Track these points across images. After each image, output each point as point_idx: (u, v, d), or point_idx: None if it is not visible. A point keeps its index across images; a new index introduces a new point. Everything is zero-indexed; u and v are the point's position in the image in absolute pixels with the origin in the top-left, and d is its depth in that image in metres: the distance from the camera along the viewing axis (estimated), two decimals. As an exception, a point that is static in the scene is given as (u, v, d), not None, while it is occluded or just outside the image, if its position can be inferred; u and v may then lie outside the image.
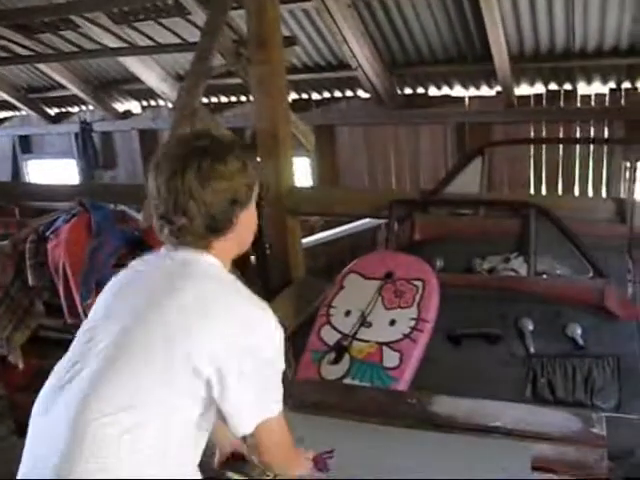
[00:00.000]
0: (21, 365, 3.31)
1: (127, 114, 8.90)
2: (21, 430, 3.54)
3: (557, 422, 2.44)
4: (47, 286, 3.01)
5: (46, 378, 3.49)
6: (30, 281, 3.01)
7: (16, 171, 10.09)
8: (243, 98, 7.65)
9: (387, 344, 3.12)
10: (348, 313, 3.28)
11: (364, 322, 3.22)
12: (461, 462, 2.20)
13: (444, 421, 2.55)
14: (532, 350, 3.07)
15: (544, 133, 6.27)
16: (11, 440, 3.59)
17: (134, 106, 8.84)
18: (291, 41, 4.97)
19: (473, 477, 2.10)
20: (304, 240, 5.18)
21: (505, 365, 3.06)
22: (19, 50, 6.72)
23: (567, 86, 6.10)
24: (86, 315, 2.90)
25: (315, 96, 7.36)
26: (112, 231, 2.85)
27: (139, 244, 2.79)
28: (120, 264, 2.91)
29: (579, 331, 3.12)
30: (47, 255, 2.89)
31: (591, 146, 5.97)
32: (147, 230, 2.93)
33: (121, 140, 9.13)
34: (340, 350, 3.13)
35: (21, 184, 8.99)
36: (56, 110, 9.52)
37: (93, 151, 9.07)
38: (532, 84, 6.22)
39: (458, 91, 6.65)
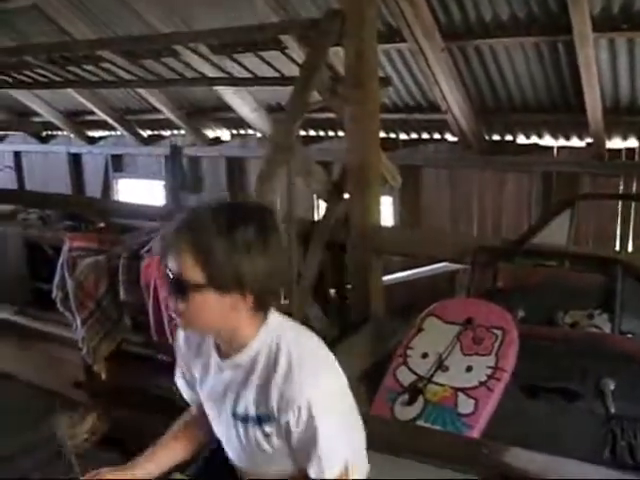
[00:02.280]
0: (104, 375, 3.43)
1: (216, 141, 9.14)
2: (100, 437, 3.67)
3: (637, 487, 2.38)
4: (137, 303, 3.13)
5: (126, 392, 3.61)
6: (122, 296, 3.13)
7: (106, 188, 10.47)
8: (331, 133, 7.77)
9: (463, 390, 3.10)
10: (425, 355, 3.27)
11: (441, 366, 3.21)
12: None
13: (517, 474, 2.52)
14: (612, 411, 2.99)
15: (634, 188, 6.14)
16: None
17: (224, 134, 9.07)
18: (386, 82, 5.05)
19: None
20: (384, 278, 5.20)
21: (583, 424, 2.98)
22: (122, 74, 7.04)
23: (662, 142, 5.97)
24: (172, 334, 3.02)
25: (403, 136, 7.41)
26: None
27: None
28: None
29: (663, 395, 3.03)
30: (139, 273, 3.01)
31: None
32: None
33: (208, 165, 9.37)
34: (415, 392, 3.13)
35: (112, 201, 9.34)
36: (149, 132, 9.84)
37: (181, 174, 9.29)
38: (625, 138, 6.11)
39: (547, 140, 6.59)
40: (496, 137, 6.80)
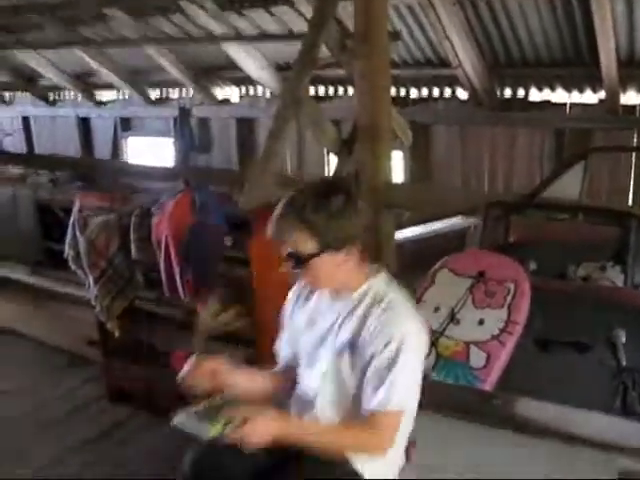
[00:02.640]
0: (117, 333, 3.46)
1: (225, 101, 9.07)
2: (111, 394, 3.73)
3: (646, 436, 2.39)
4: (148, 260, 3.14)
5: (139, 348, 3.65)
6: (133, 254, 3.14)
7: (115, 150, 10.46)
8: (341, 90, 7.70)
9: (475, 343, 3.10)
10: (437, 309, 3.26)
11: (453, 319, 3.21)
12: (542, 468, 2.18)
13: (528, 424, 2.53)
14: (624, 363, 2.99)
15: (648, 144, 6.07)
16: (101, 404, 3.78)
17: (233, 93, 9.00)
18: (395, 36, 4.97)
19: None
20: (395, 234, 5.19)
21: (594, 375, 2.99)
22: (128, 33, 6.96)
23: (677, 96, 5.87)
24: (184, 290, 3.03)
25: (413, 92, 7.33)
26: (215, 210, 2.94)
27: (242, 225, 2.87)
28: (220, 242, 3.03)
29: (675, 347, 3.02)
30: (151, 230, 3.01)
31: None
32: (251, 212, 3.01)
33: (218, 126, 9.31)
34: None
35: (121, 162, 9.33)
36: (158, 93, 9.78)
37: (190, 135, 9.25)
38: (639, 91, 6.01)
39: (560, 95, 6.49)
40: (508, 93, 6.71)
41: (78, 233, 3.32)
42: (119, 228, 3.20)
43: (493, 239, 3.70)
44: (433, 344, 3.13)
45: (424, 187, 5.28)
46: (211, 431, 1.87)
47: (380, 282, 2.04)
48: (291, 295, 2.19)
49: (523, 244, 3.67)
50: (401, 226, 5.77)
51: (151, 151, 10.13)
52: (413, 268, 3.61)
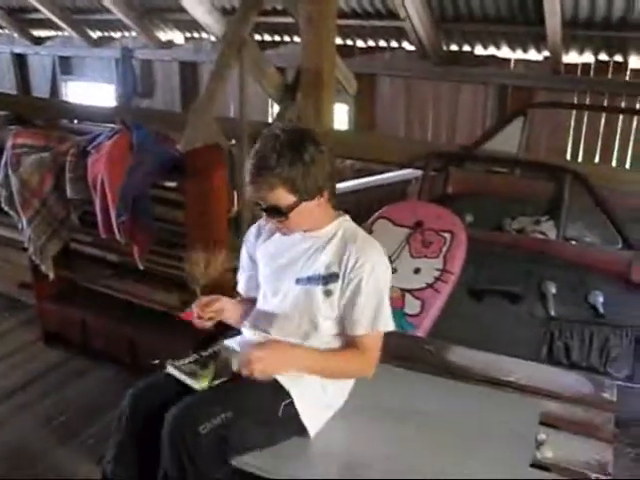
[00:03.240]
0: (52, 275, 3.39)
1: (169, 44, 8.85)
2: (47, 338, 3.68)
3: (569, 383, 2.48)
4: (84, 200, 3.06)
5: (74, 291, 3.59)
6: (68, 193, 3.05)
7: (54, 91, 10.14)
8: (287, 38, 7.59)
9: (410, 291, 3.17)
10: (374, 257, 3.31)
11: (389, 268, 3.26)
12: (472, 410, 2.25)
13: (459, 371, 2.60)
14: (552, 313, 3.10)
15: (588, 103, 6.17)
16: (38, 346, 3.72)
17: (177, 36, 8.79)
18: (343, -17, 4.90)
19: (481, 426, 2.16)
20: (339, 186, 5.18)
21: (524, 325, 3.09)
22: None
23: (618, 57, 5.97)
24: (120, 231, 2.98)
25: (360, 43, 7.28)
26: (153, 150, 2.87)
27: (177, 165, 2.82)
28: (157, 184, 2.98)
29: (601, 299, 3.14)
30: (87, 169, 2.93)
31: (635, 118, 5.85)
32: (188, 153, 2.97)
33: (161, 70, 9.12)
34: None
35: (60, 102, 9.05)
36: (99, 34, 9.48)
37: (132, 78, 9.05)
38: (581, 52, 6.10)
39: (505, 52, 6.54)
40: (454, 47, 6.73)
41: (10, 172, 3.21)
42: (54, 167, 3.09)
43: (432, 190, 3.75)
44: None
45: (365, 135, 5.27)
46: (201, 383, 2.00)
47: (348, 222, 2.16)
48: (253, 231, 2.29)
49: (461, 196, 3.73)
50: (343, 178, 5.80)
51: (91, 96, 9.83)
52: (354, 220, 3.62)
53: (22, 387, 3.36)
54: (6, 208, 3.38)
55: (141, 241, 2.96)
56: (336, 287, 2.06)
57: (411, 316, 3.11)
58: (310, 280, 2.09)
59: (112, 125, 3.28)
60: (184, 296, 2.90)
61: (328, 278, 2.07)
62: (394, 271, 3.25)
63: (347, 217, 2.18)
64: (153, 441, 1.95)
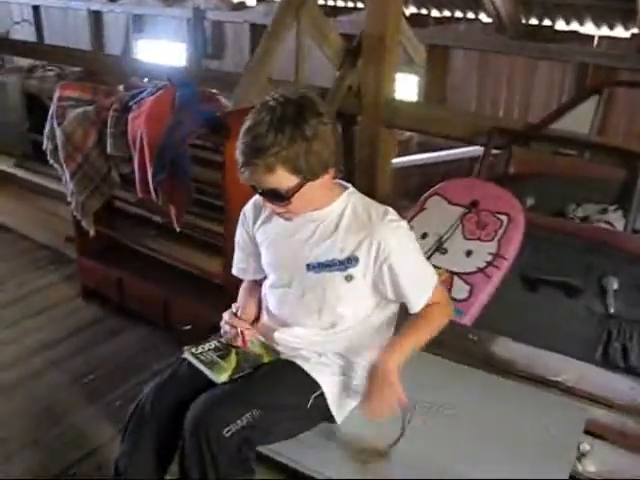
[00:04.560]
0: (92, 232, 3.33)
1: (241, 6, 8.75)
2: (85, 294, 3.65)
3: (622, 389, 2.28)
4: (125, 157, 2.97)
5: (114, 249, 3.53)
6: (108, 149, 2.96)
7: (127, 49, 10.19)
8: (360, 5, 7.36)
9: (459, 274, 2.97)
10: (425, 235, 3.13)
11: (440, 248, 3.08)
12: (511, 410, 2.07)
13: (503, 364, 2.43)
14: (612, 310, 2.86)
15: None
16: (77, 302, 3.70)
17: (249, -1, 8.67)
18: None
19: (518, 428, 1.98)
20: (398, 159, 5.02)
21: (579, 321, 2.86)
22: None
23: None
24: (156, 191, 2.89)
25: (435, 13, 7.00)
26: (195, 109, 2.73)
27: (219, 126, 2.68)
28: (198, 144, 2.86)
29: (668, 299, 2.88)
30: (127, 125, 2.83)
31: None
32: (229, 114, 2.83)
33: (232, 31, 9.03)
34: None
35: (133, 60, 9.04)
36: (173, -7, 9.45)
37: (203, 39, 9.05)
38: (674, 30, 5.68)
39: (588, 28, 6.16)
40: (533, 21, 6.39)
41: (55, 124, 3.14)
42: (97, 121, 3.00)
43: (493, 168, 3.53)
44: (416, 272, 3.00)
45: (427, 106, 5.03)
46: (220, 376, 1.83)
47: (355, 194, 1.93)
48: (251, 209, 2.04)
49: (523, 177, 3.49)
50: (409, 151, 5.60)
51: (162, 55, 9.83)
52: (417, 196, 3.45)
53: (57, 341, 3.35)
54: (51, 161, 3.33)
55: (178, 202, 2.85)
56: (357, 271, 1.85)
57: (458, 301, 2.91)
58: (325, 266, 1.87)
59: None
60: (222, 260, 2.80)
61: (347, 262, 1.85)
62: (444, 252, 3.08)
63: (352, 189, 1.95)
64: (171, 438, 1.83)
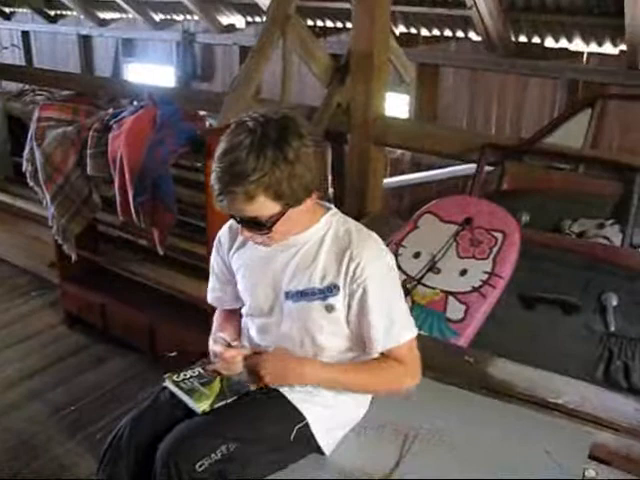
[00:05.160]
0: (74, 256, 3.23)
1: (230, 28, 8.71)
2: (69, 321, 3.53)
3: (627, 411, 2.18)
4: (106, 178, 2.87)
5: (97, 273, 3.42)
6: (89, 170, 2.86)
7: (116, 72, 10.15)
8: (349, 25, 7.32)
9: (454, 294, 2.88)
10: (417, 255, 3.05)
11: (433, 267, 2.99)
12: (511, 435, 1.96)
13: (501, 387, 2.33)
14: (612, 328, 2.76)
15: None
16: (60, 329, 3.59)
17: (238, 21, 8.63)
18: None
19: (520, 454, 1.87)
20: (390, 179, 4.95)
21: (579, 339, 2.76)
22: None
23: (703, 53, 5.49)
24: (137, 214, 2.79)
25: (424, 32, 6.95)
26: (177, 128, 2.64)
27: (201, 145, 2.59)
28: (180, 164, 2.77)
29: (669, 316, 2.79)
30: (107, 145, 2.74)
31: None
32: (210, 131, 2.74)
33: (222, 54, 8.98)
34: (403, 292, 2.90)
35: (123, 81, 8.99)
36: (161, 16, 9.42)
37: (192, 61, 9.01)
38: (663, 46, 5.63)
39: (577, 45, 6.11)
40: (523, 39, 6.34)
41: (35, 146, 3.05)
42: (77, 142, 2.91)
43: (486, 185, 3.45)
44: (409, 291, 2.92)
45: (417, 123, 4.95)
46: (201, 405, 1.71)
47: (337, 216, 1.80)
48: (226, 233, 1.90)
49: (517, 193, 3.41)
50: (401, 171, 5.53)
51: (151, 78, 9.79)
52: (409, 215, 3.36)
53: (39, 371, 3.25)
54: (32, 184, 3.25)
55: (161, 224, 2.75)
56: (338, 300, 1.72)
57: (453, 322, 2.82)
58: (304, 295, 1.74)
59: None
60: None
61: (327, 291, 1.72)
62: (438, 271, 2.99)
63: (334, 210, 1.81)
64: (148, 473, 1.69)
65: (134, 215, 2.72)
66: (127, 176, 2.62)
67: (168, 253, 2.95)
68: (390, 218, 3.76)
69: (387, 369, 1.79)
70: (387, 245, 3.09)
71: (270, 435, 1.72)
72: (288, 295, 1.75)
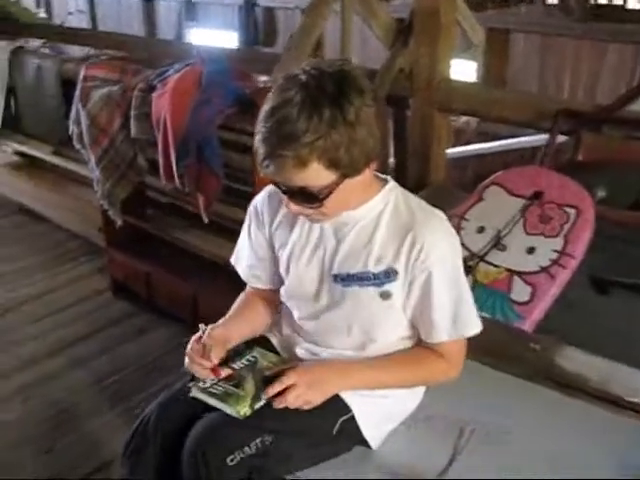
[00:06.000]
0: (119, 222, 3.11)
1: (293, -10, 8.53)
2: (115, 288, 3.45)
3: None
4: (151, 141, 2.72)
5: (144, 240, 3.30)
6: (133, 132, 2.72)
7: (179, 37, 10.09)
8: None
9: (520, 274, 2.64)
10: (481, 230, 2.81)
11: (498, 243, 2.74)
12: (576, 436, 1.75)
13: (569, 380, 2.10)
14: (700, 317, 2.50)
15: None
16: (106, 296, 3.50)
17: (301, -17, 8.43)
18: None
19: (589, 459, 1.65)
20: (455, 149, 4.70)
21: (660, 329, 2.51)
22: None
23: None
24: (181, 178, 2.63)
25: (493, -5, 6.62)
26: (225, 87, 2.46)
27: (250, 105, 2.41)
28: (227, 126, 2.58)
29: None
30: (151, 106, 2.59)
31: None
32: (260, 90, 2.55)
33: (284, 18, 8.81)
34: (464, 270, 2.68)
35: (186, 44, 8.93)
36: (225, -20, 9.30)
37: (254, 26, 8.89)
38: None
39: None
40: (602, 0, 5.95)
41: (80, 107, 2.93)
42: (123, 103, 2.77)
43: (559, 157, 3.17)
44: (471, 269, 2.70)
45: (485, 88, 4.63)
46: (240, 411, 1.48)
47: (397, 190, 1.58)
48: (266, 202, 1.68)
49: (594, 166, 3.12)
50: (466, 141, 5.28)
51: (214, 43, 9.68)
52: (474, 187, 3.14)
53: (82, 339, 3.18)
54: (78, 147, 3.14)
55: (207, 190, 2.59)
56: (396, 287, 1.52)
57: (518, 304, 2.59)
58: (357, 280, 1.54)
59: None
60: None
61: (383, 277, 1.52)
62: (503, 248, 2.76)
63: (393, 183, 1.59)
64: (178, 464, 1.53)
65: (177, 180, 2.56)
66: (170, 138, 2.46)
67: (214, 220, 2.79)
68: (453, 189, 3.53)
69: (429, 365, 1.64)
70: (449, 218, 2.93)
71: (311, 428, 1.55)
72: (337, 278, 1.56)
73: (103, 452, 2.46)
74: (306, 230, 1.60)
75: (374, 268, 1.52)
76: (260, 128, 1.36)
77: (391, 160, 3.89)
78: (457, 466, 1.64)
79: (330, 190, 1.39)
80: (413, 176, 3.60)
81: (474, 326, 1.60)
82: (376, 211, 1.53)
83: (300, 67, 1.38)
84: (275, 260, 1.71)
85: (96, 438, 2.54)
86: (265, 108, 1.37)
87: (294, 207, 1.46)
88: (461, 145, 5.11)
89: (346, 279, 1.55)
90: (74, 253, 3.99)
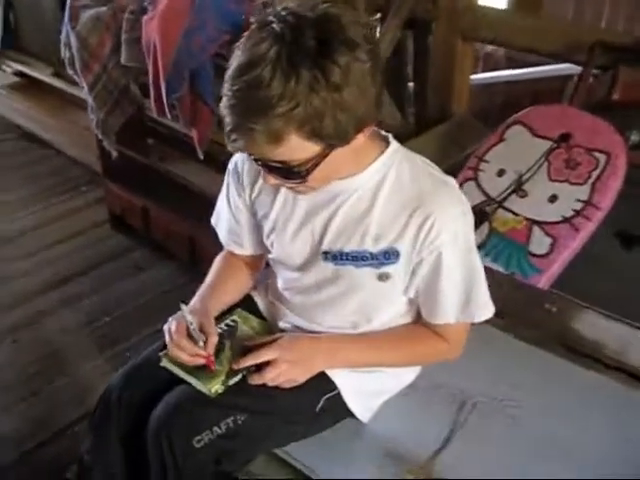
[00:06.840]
0: (114, 153, 2.93)
1: None
2: (113, 221, 3.31)
3: None
4: (142, 69, 2.51)
5: (143, 174, 3.13)
6: (122, 59, 2.50)
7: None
8: None
9: (540, 224, 2.44)
10: (501, 173, 2.60)
11: (518, 189, 2.54)
12: (594, 414, 1.61)
13: (585, 346, 1.93)
14: None
15: None
16: (103, 229, 3.37)
17: None
18: None
19: (604, 439, 1.53)
20: (482, 75, 4.45)
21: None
22: None
23: None
24: (172, 111, 2.44)
25: None
26: (220, 10, 2.22)
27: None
28: (221, 54, 2.35)
29: None
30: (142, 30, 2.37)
31: None
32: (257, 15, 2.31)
33: None
34: (480, 215, 2.47)
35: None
36: None
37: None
38: None
39: None
40: None
41: (69, 28, 2.70)
42: (113, 25, 2.54)
43: (592, 95, 2.92)
44: (487, 215, 2.51)
45: (515, 14, 4.31)
46: (211, 389, 1.34)
47: (400, 154, 1.34)
48: (244, 165, 1.44)
49: (629, 106, 2.87)
50: (494, 66, 5.02)
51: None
52: (501, 117, 2.90)
53: (76, 275, 3.06)
54: (70, 72, 2.91)
55: (201, 124, 2.38)
56: (397, 268, 1.33)
57: (536, 257, 2.40)
58: (351, 258, 1.34)
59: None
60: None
61: (382, 257, 1.32)
62: (524, 194, 2.56)
63: (396, 144, 1.35)
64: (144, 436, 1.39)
65: (167, 113, 2.36)
66: (160, 67, 2.24)
67: (213, 155, 2.60)
68: (476, 123, 3.29)
69: (427, 345, 1.48)
70: (467, 159, 2.71)
71: (289, 407, 1.40)
72: (328, 256, 1.37)
73: (90, 399, 2.32)
74: (291, 201, 1.39)
75: (372, 247, 1.33)
76: (226, 91, 1.11)
77: (411, 85, 3.66)
78: (454, 445, 1.50)
79: (315, 163, 1.16)
80: (434, 107, 3.38)
81: (486, 311, 1.43)
82: (375, 179, 1.32)
83: (275, 10, 1.10)
84: (258, 227, 1.51)
85: (84, 384, 2.43)
86: (231, 65, 1.12)
87: (272, 181, 1.25)
88: (489, 71, 4.87)
89: (339, 257, 1.36)
90: (74, 182, 3.82)
